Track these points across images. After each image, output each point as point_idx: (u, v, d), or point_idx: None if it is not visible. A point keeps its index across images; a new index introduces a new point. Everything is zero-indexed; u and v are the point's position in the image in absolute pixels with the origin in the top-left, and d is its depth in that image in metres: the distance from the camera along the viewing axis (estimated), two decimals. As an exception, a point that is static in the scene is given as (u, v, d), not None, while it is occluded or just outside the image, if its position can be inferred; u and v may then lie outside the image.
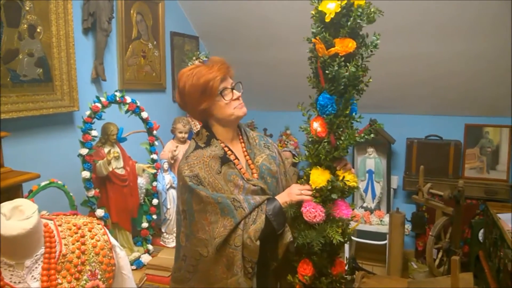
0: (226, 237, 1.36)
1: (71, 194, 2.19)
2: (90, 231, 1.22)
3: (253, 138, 1.64)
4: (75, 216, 1.28)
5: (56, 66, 2.26)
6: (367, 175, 3.63)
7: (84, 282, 1.14)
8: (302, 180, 1.52)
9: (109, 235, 1.28)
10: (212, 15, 3.53)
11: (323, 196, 1.45)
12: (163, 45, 3.28)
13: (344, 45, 1.37)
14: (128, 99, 2.32)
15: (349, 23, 1.36)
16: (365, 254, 3.68)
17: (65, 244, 1.15)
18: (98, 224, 1.27)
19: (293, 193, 1.47)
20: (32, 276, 1.07)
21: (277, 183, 1.59)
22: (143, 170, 2.49)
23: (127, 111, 2.34)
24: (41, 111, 2.18)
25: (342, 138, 1.42)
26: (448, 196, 2.69)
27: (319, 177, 1.44)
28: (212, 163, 1.45)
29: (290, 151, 3.71)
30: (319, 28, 1.39)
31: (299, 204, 1.46)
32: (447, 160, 3.48)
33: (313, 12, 1.42)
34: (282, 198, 1.47)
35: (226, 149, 1.51)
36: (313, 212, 1.41)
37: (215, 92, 1.46)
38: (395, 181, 3.69)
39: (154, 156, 2.54)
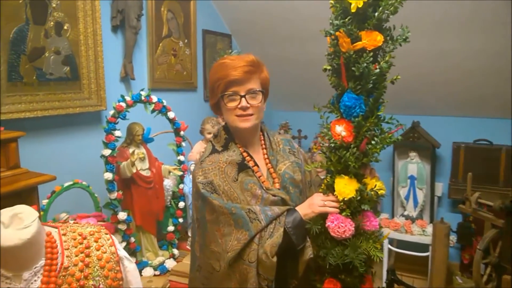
0: (239, 252, 1.23)
1: (96, 195, 2.15)
2: (96, 241, 1.13)
3: (277, 143, 1.49)
4: (82, 224, 1.20)
5: (84, 65, 2.22)
6: (408, 181, 3.39)
7: (86, 298, 1.05)
8: (322, 189, 1.37)
9: (118, 246, 1.19)
10: (245, 11, 3.42)
11: (352, 208, 1.29)
12: (195, 43, 3.20)
13: (372, 39, 1.21)
14: (154, 98, 2.24)
15: (376, 13, 1.20)
16: (405, 266, 3.45)
17: (68, 256, 1.06)
18: (106, 233, 1.18)
19: (316, 203, 1.31)
20: (30, 290, 0.99)
21: (300, 193, 1.43)
22: (169, 172, 2.41)
23: (153, 111, 2.26)
24: (67, 110, 2.15)
25: (373, 142, 1.26)
26: (499, 206, 2.45)
27: (346, 187, 1.27)
28: (229, 169, 1.33)
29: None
30: (344, 20, 1.23)
31: (324, 219, 1.30)
32: (497, 167, 3.19)
33: (332, 2, 1.27)
34: (303, 210, 1.32)
35: (245, 154, 1.38)
36: (343, 227, 1.26)
37: (218, 94, 1.35)
38: (440, 188, 3.43)
39: (181, 158, 2.46)
